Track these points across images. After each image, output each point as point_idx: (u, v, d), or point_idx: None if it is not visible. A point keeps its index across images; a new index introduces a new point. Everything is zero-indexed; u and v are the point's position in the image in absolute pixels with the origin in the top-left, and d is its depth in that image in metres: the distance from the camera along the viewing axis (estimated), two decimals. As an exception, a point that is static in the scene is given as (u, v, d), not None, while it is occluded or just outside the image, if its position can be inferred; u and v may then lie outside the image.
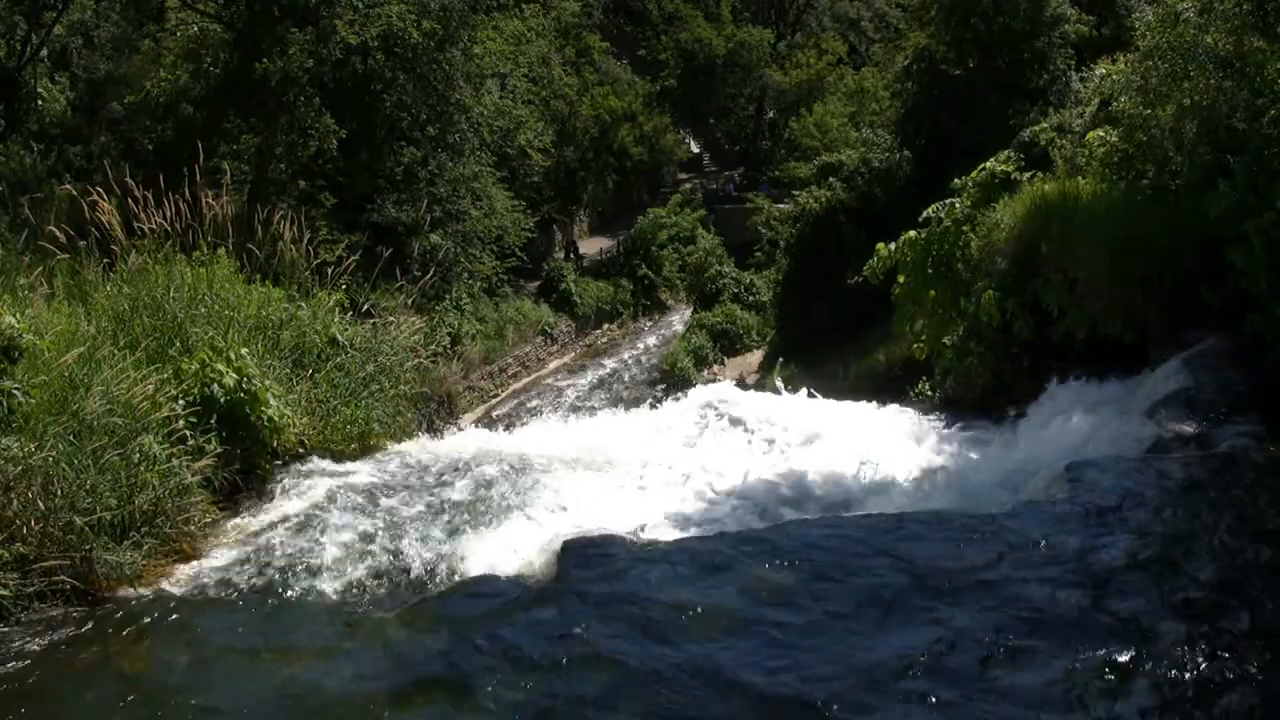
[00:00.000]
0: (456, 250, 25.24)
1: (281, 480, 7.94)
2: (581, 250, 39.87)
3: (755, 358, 29.61)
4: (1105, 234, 9.45)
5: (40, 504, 5.77)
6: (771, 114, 52.74)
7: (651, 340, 36.68)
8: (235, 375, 7.75)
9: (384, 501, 7.73)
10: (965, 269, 12.12)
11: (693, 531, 7.28)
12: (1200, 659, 4.50)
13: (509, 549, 6.75)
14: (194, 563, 6.60)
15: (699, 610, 5.11)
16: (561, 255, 38.50)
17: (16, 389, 6.11)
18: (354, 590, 6.51)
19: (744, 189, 46.68)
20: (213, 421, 7.45)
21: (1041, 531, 5.68)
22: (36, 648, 5.20)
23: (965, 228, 12.54)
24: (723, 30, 51.58)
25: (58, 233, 8.69)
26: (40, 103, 19.90)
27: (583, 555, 5.82)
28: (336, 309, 10.01)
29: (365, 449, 8.90)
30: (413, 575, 6.70)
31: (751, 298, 33.48)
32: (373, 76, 21.11)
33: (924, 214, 13.39)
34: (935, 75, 24.06)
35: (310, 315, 9.50)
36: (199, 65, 19.53)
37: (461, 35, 22.85)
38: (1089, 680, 4.41)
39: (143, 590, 6.10)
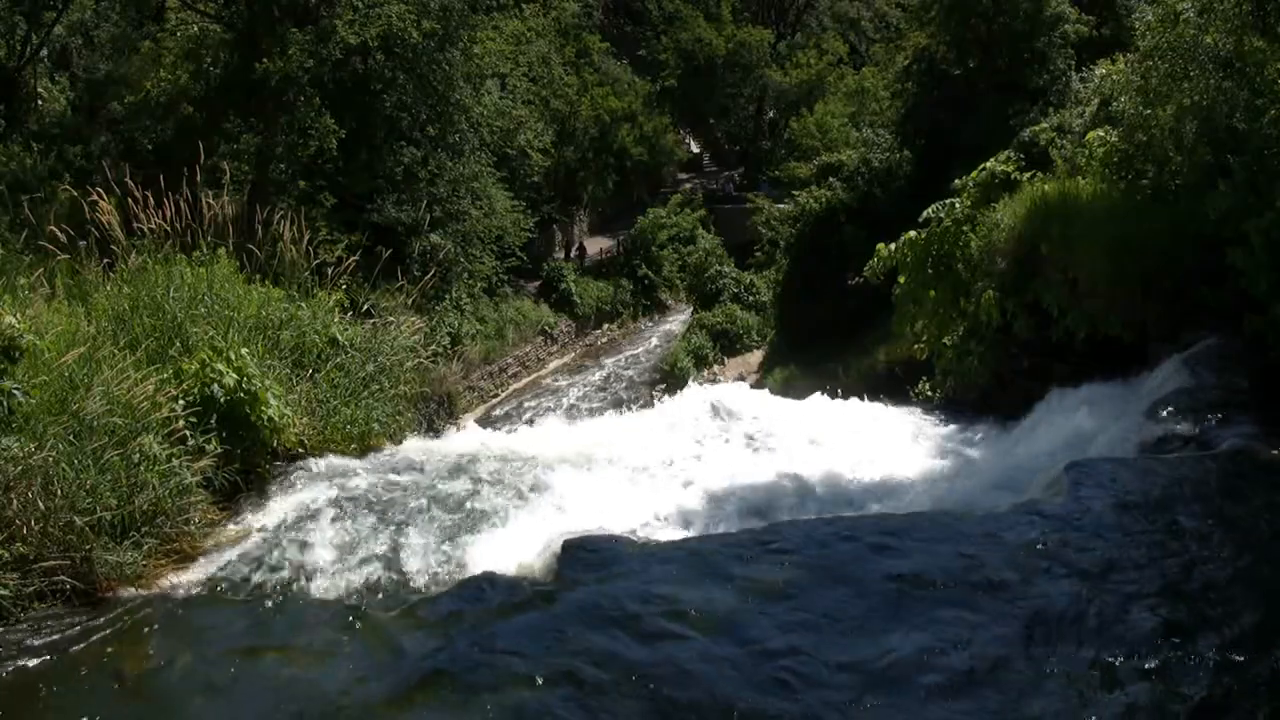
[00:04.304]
0: (456, 250, 25.22)
1: (281, 480, 7.94)
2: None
3: (755, 358, 29.61)
4: (1105, 234, 9.45)
5: (40, 504, 5.76)
6: (771, 114, 52.73)
7: (651, 340, 36.67)
8: (235, 375, 7.75)
9: (384, 502, 7.73)
10: (965, 269, 12.13)
11: (693, 531, 7.28)
12: (1202, 659, 4.50)
13: (509, 549, 6.74)
14: (194, 563, 6.60)
15: (698, 610, 5.11)
16: (561, 255, 38.48)
17: (16, 389, 6.11)
18: (354, 590, 6.51)
19: (744, 189, 46.65)
20: (213, 421, 7.44)
21: (1041, 532, 5.68)
22: (36, 648, 5.20)
23: (965, 228, 12.54)
24: (723, 30, 51.55)
25: (58, 233, 8.69)
26: (40, 103, 19.89)
27: (582, 555, 5.82)
28: (336, 309, 10.01)
29: (365, 449, 8.90)
30: (412, 575, 6.70)
31: (751, 298, 33.46)
32: (373, 76, 21.10)
33: (924, 214, 13.39)
34: (935, 75, 24.07)
35: (310, 315, 9.50)
36: (199, 65, 19.50)
37: (461, 35, 22.84)
38: (1090, 681, 4.42)
39: (143, 590, 6.10)
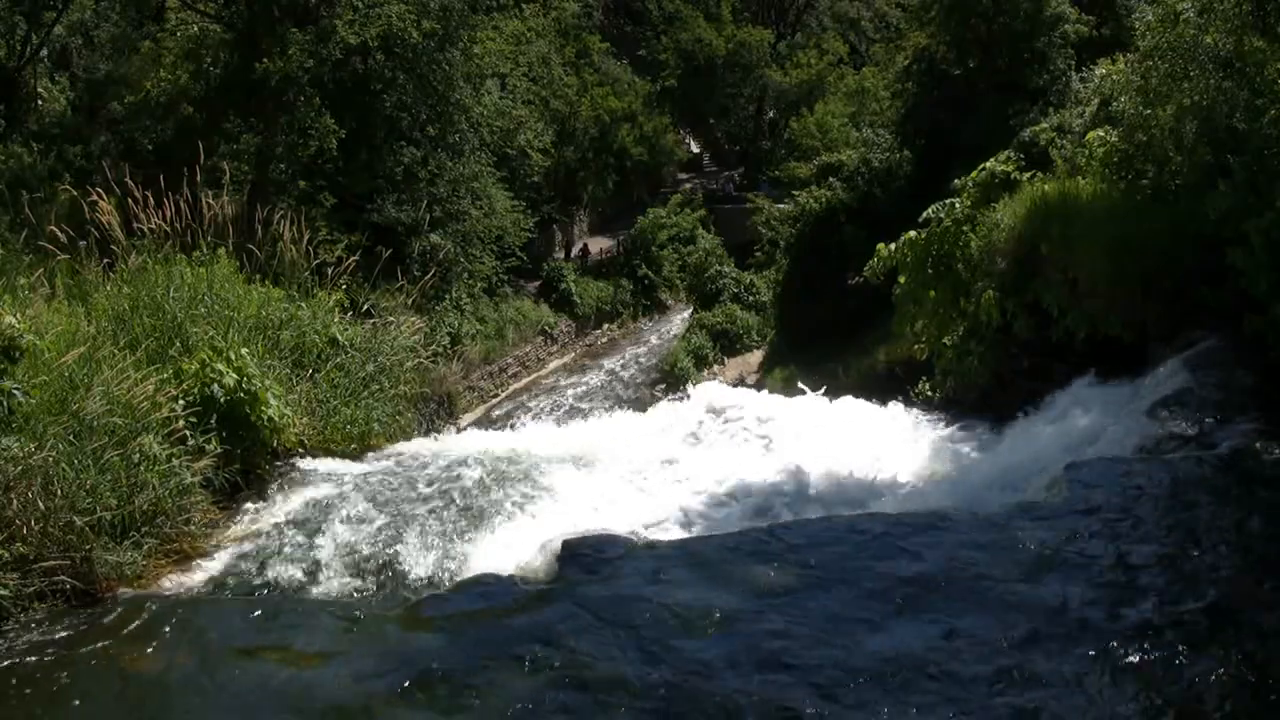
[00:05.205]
0: (456, 250, 25.21)
1: (281, 480, 7.94)
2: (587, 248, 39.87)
3: (755, 358, 29.60)
4: (1105, 234, 9.45)
5: (40, 504, 5.77)
6: (771, 114, 52.71)
7: (652, 340, 36.67)
8: (235, 375, 7.75)
9: (384, 502, 7.72)
10: (965, 269, 12.11)
11: (693, 531, 7.28)
12: (1202, 659, 4.50)
13: (509, 549, 6.75)
14: (194, 563, 6.60)
15: (698, 611, 5.10)
16: (561, 255, 38.48)
17: (16, 389, 6.11)
18: (354, 590, 6.52)
19: (744, 189, 46.61)
20: (213, 421, 7.45)
21: (1041, 532, 5.68)
22: (37, 648, 5.20)
23: (965, 228, 12.53)
24: (723, 30, 51.53)
25: (58, 233, 8.69)
26: (40, 103, 19.88)
27: (582, 555, 5.82)
28: (336, 309, 10.01)
29: (365, 449, 8.90)
30: (412, 575, 6.71)
31: (751, 298, 33.43)
32: (373, 76, 21.10)
33: (924, 214, 13.38)
34: (935, 75, 24.06)
35: (310, 315, 9.50)
36: (199, 65, 19.50)
37: (461, 35, 22.84)
38: (1089, 681, 4.41)
39: (143, 590, 6.10)
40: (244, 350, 8.15)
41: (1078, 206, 10.37)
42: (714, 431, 10.57)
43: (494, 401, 29.12)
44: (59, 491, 5.91)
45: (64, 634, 5.36)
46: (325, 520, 7.26)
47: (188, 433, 7.07)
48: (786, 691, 4.43)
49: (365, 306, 11.54)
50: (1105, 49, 18.10)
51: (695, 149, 56.63)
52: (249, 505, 7.54)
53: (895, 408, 11.18)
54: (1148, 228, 9.17)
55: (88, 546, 5.92)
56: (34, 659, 5.09)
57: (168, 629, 5.42)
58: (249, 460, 7.86)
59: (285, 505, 7.53)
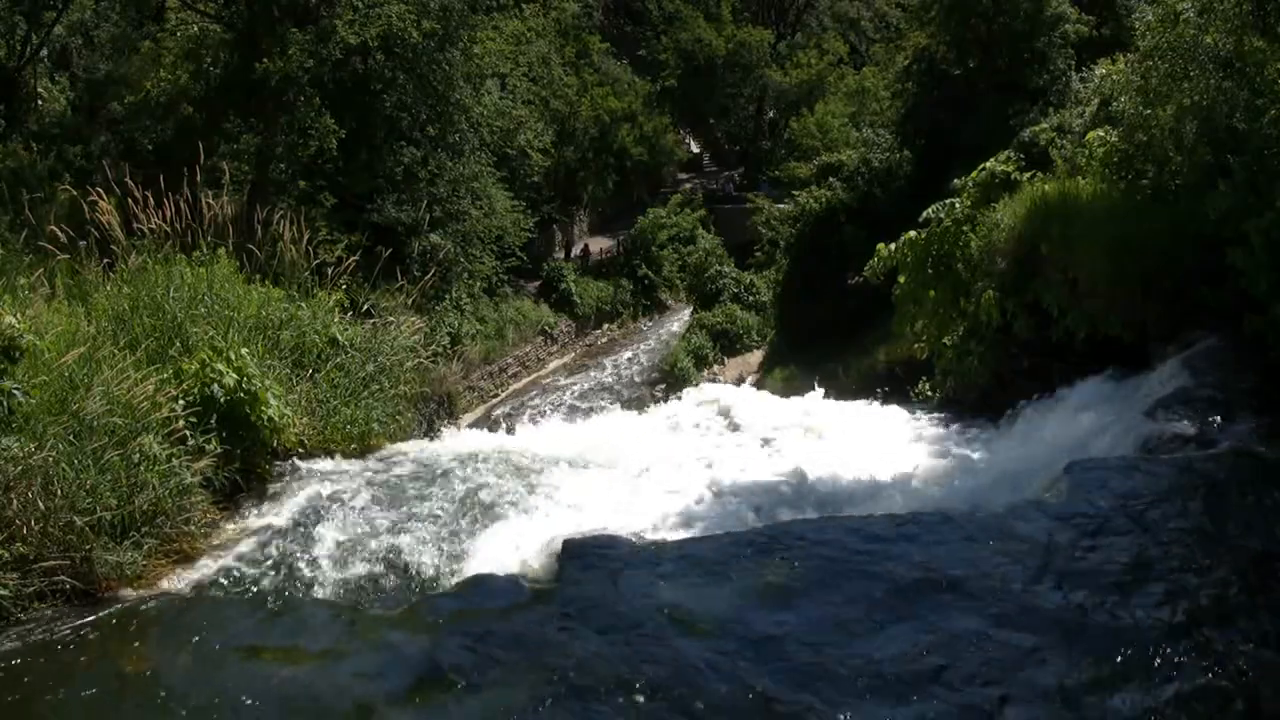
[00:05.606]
0: (456, 250, 25.22)
1: (281, 480, 7.94)
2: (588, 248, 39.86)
3: (755, 358, 29.62)
4: (1105, 234, 9.45)
5: (40, 504, 5.76)
6: (771, 114, 52.74)
7: (651, 340, 36.69)
8: (235, 375, 7.75)
9: (384, 501, 7.73)
10: (965, 269, 12.12)
11: (693, 531, 7.28)
12: (1200, 660, 4.50)
13: (509, 549, 6.75)
14: (194, 563, 6.60)
15: (698, 610, 5.10)
16: (562, 255, 38.48)
17: (16, 389, 6.11)
18: (354, 590, 6.52)
19: (744, 189, 46.65)
20: (213, 421, 7.44)
21: (1041, 532, 5.68)
22: (36, 648, 5.20)
23: (965, 228, 12.53)
24: (723, 30, 51.57)
25: (58, 233, 8.69)
26: (40, 103, 19.89)
27: (583, 555, 5.82)
28: (336, 309, 10.01)
29: (365, 449, 8.90)
30: (413, 575, 6.71)
31: (751, 298, 33.46)
32: (373, 76, 21.11)
33: (924, 214, 13.39)
34: (935, 75, 24.09)
35: (310, 315, 9.50)
36: (199, 65, 19.51)
37: (461, 35, 22.86)
38: (1088, 681, 4.41)
39: (143, 590, 6.10)
40: (244, 350, 8.15)
41: (1078, 206, 10.37)
42: (714, 431, 10.57)
43: (494, 401, 29.13)
44: (59, 491, 5.91)
45: (64, 634, 5.36)
46: (325, 520, 7.27)
47: (188, 433, 7.06)
48: (787, 690, 4.43)
49: (365, 306, 11.54)
50: (1105, 49, 18.11)
51: (695, 149, 56.67)
52: (249, 505, 7.54)
53: (894, 407, 11.19)
54: (1148, 228, 9.17)
55: (88, 546, 5.92)
56: (34, 659, 5.09)
57: (168, 629, 5.42)
58: (249, 460, 7.85)
59: (285, 505, 7.53)
